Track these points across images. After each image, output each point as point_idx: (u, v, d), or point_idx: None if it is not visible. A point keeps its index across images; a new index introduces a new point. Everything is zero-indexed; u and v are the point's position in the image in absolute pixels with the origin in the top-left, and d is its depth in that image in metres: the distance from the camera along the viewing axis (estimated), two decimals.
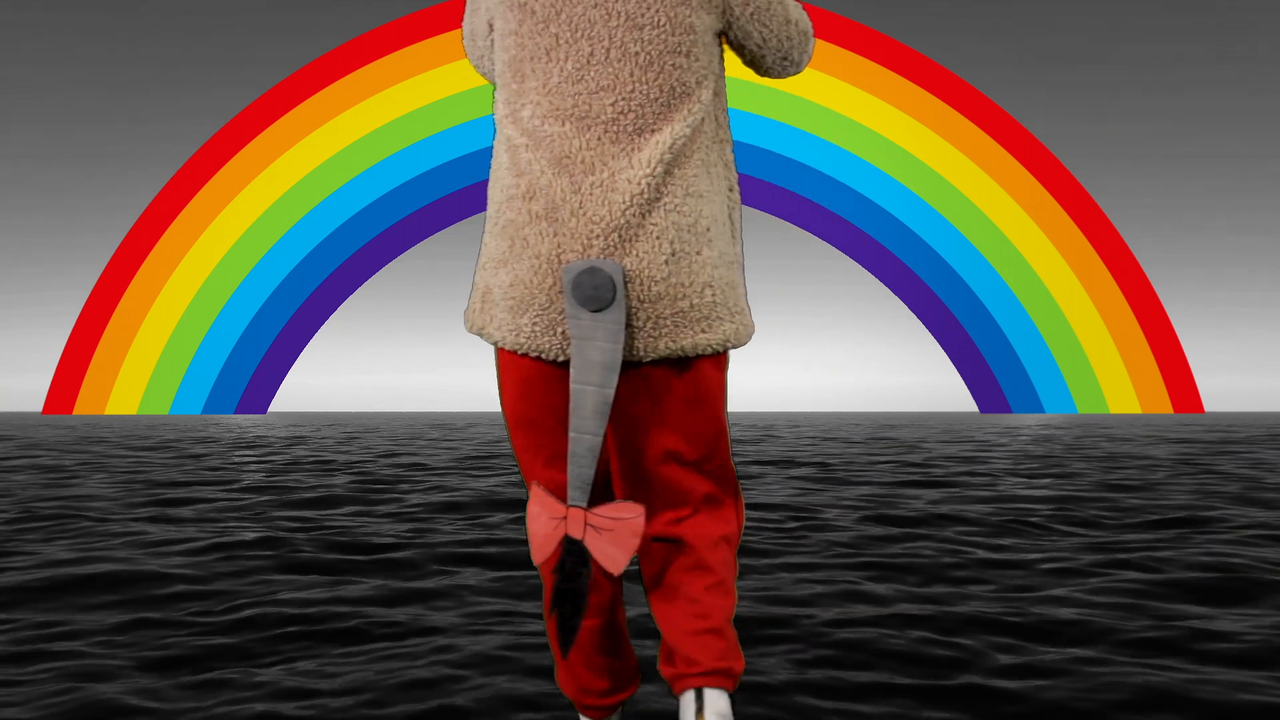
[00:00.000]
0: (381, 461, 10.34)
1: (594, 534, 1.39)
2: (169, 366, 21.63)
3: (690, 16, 1.44)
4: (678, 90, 1.44)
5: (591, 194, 1.41)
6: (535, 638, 2.61)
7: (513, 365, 1.50)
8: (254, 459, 10.71)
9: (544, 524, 1.43)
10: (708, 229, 1.45)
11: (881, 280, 22.12)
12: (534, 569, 3.44)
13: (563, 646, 1.44)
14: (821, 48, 19.47)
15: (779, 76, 1.63)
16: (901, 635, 2.62)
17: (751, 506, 5.68)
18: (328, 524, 4.94)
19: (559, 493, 1.51)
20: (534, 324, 1.44)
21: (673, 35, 1.43)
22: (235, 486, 7.16)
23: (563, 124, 1.43)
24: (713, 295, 1.45)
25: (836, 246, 21.82)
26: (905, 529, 4.77)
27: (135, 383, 21.72)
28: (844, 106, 20.32)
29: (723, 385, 1.53)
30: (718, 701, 1.43)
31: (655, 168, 1.41)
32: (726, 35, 1.54)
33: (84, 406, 21.67)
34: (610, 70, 1.42)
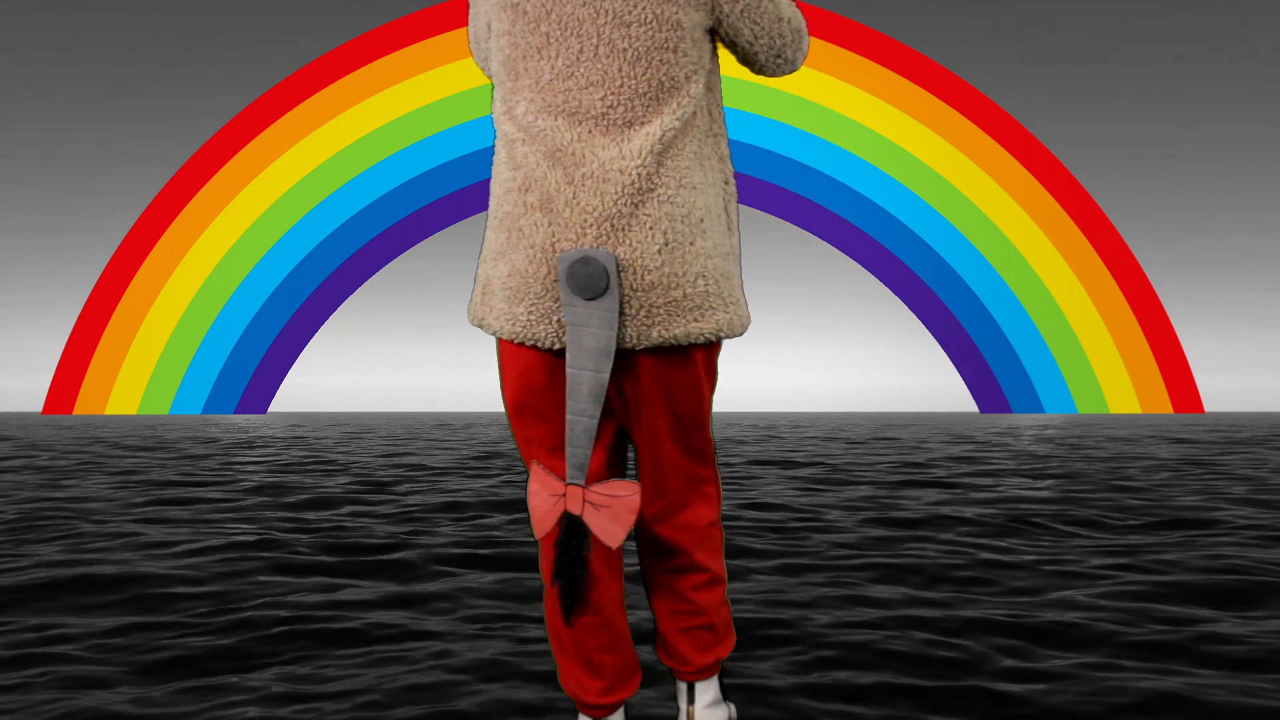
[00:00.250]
0: (381, 462, 10.32)
1: (592, 510, 1.47)
2: (169, 366, 21.66)
3: (677, 13, 1.47)
4: (666, 85, 1.47)
5: (584, 185, 1.44)
6: (535, 643, 2.58)
7: (512, 355, 1.54)
8: (253, 459, 10.70)
9: (544, 500, 1.51)
10: (701, 220, 1.48)
11: (881, 280, 22.16)
12: (535, 571, 3.42)
13: (565, 614, 1.54)
14: (821, 47, 19.49)
15: (774, 75, 1.65)
16: (904, 637, 2.60)
17: (753, 507, 5.66)
18: (327, 525, 4.92)
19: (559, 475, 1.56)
20: (529, 312, 1.48)
21: (659, 31, 1.46)
22: (234, 487, 7.14)
23: (555, 119, 1.47)
24: (706, 285, 1.48)
25: (836, 246, 21.86)
26: (908, 530, 4.75)
27: (135, 383, 21.75)
28: (843, 106, 20.34)
29: (714, 372, 1.59)
30: (706, 693, 1.65)
31: (645, 158, 1.44)
32: (718, 33, 1.55)
33: (84, 407, 21.70)
34: (599, 66, 1.46)
